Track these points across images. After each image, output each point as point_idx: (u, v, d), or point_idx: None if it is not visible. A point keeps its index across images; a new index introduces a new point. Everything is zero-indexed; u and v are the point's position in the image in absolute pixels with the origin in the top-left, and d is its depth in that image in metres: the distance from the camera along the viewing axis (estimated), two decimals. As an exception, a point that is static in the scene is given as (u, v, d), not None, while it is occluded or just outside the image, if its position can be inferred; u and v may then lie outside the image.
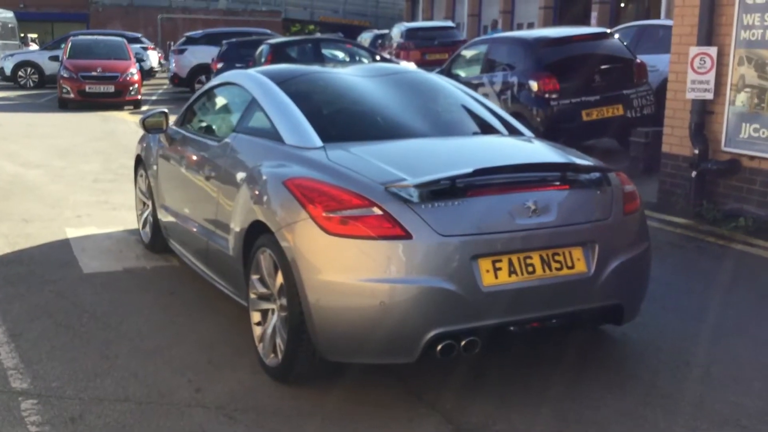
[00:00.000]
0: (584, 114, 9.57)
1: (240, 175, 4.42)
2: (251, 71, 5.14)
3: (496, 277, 3.57)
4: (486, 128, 4.75)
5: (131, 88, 17.89)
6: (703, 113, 7.22)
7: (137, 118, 16.53)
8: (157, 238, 6.12)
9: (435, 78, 5.35)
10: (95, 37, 21.30)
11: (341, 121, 4.61)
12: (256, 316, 4.17)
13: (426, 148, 4.29)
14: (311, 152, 4.09)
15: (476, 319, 3.55)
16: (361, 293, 3.48)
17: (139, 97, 18.28)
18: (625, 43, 10.45)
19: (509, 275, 3.59)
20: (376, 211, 3.53)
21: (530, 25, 27.07)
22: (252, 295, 4.17)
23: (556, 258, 3.70)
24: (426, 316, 3.48)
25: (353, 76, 5.02)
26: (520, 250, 3.63)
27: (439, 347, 3.51)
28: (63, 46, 20.82)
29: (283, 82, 4.76)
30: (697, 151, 7.21)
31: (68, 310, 4.96)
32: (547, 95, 9.54)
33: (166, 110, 5.68)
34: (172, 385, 3.92)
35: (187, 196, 5.24)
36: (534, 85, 9.62)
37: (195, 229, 5.07)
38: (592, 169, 4.02)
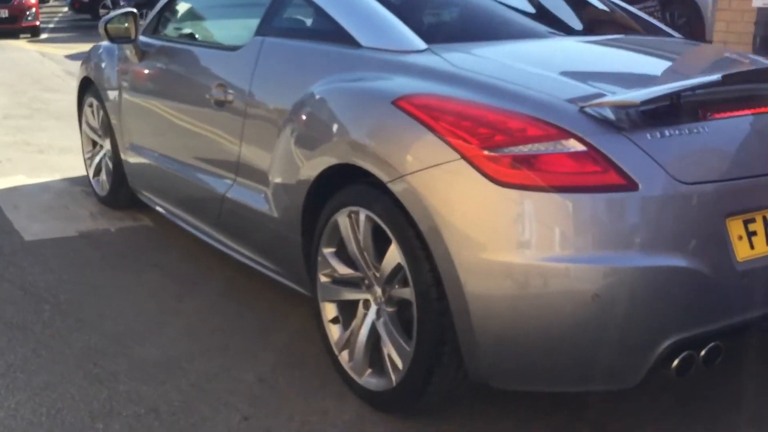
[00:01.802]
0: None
1: (282, 97, 2.95)
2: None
3: (752, 246, 2.26)
4: (623, 27, 3.40)
5: (28, 13, 15.60)
6: (772, 24, 6.06)
7: (38, 47, 14.45)
8: (118, 190, 4.56)
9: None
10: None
11: (434, 12, 3.15)
12: (330, 310, 2.76)
13: (581, 52, 2.91)
14: (414, 57, 2.65)
15: (728, 313, 2.25)
16: (560, 282, 2.11)
17: (38, 23, 16.00)
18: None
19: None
20: (574, 145, 2.15)
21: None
22: (323, 278, 2.75)
23: (820, 214, 2.42)
24: (663, 315, 2.15)
25: None
26: (779, 204, 2.33)
27: (675, 362, 2.20)
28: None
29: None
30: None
31: (18, 300, 3.41)
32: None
33: (134, 11, 4.06)
34: (220, 429, 2.48)
35: (178, 131, 3.71)
36: None
37: (194, 178, 3.57)
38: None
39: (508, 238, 2.13)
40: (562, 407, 2.61)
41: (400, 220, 2.34)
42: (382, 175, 2.36)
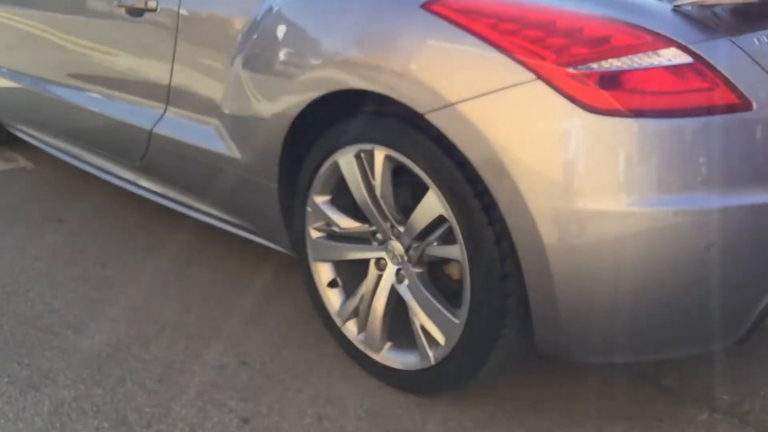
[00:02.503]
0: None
1: (235, 3, 2.32)
2: None
3: None
4: None
5: None
6: None
7: None
8: (-18, 125, 3.74)
9: None
10: None
11: None
12: (325, 273, 2.23)
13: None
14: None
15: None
16: (668, 231, 1.68)
17: None
18: None
19: None
20: (676, 56, 1.69)
21: None
22: (314, 234, 2.21)
23: None
24: (778, 259, 1.78)
25: None
26: None
27: (778, 309, 1.85)
28: None
29: None
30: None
31: None
32: None
33: None
34: (222, 442, 1.94)
35: (70, 50, 2.96)
36: None
37: (101, 109, 2.87)
38: None
39: (602, 180, 1.67)
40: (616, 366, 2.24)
41: (442, 161, 1.82)
42: (417, 105, 1.82)
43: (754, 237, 1.73)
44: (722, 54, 1.71)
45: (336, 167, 2.08)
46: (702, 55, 1.68)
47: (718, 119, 1.69)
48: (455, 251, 1.87)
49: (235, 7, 2.33)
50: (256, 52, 2.21)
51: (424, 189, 1.90)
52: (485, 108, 1.72)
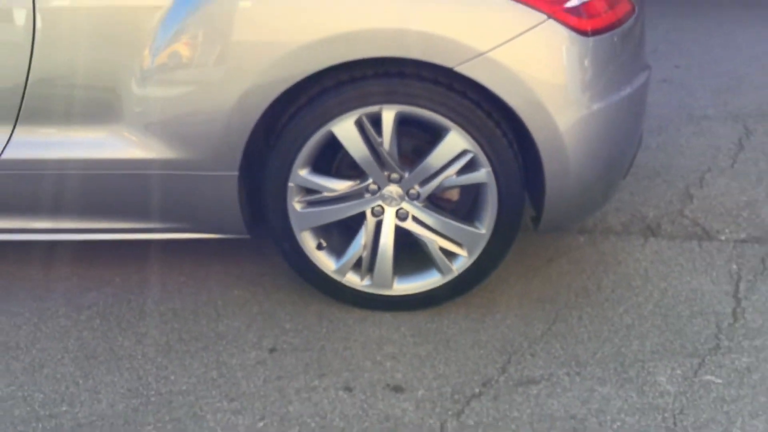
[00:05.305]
0: None
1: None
2: None
3: None
4: None
5: None
6: None
7: None
8: None
9: None
10: None
11: None
12: (309, 239, 2.33)
13: None
14: None
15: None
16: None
17: None
18: None
19: None
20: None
21: None
22: (298, 206, 2.28)
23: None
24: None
25: None
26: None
27: None
28: None
29: None
30: None
31: None
32: None
33: None
34: None
35: None
36: None
37: None
38: None
39: (597, 84, 2.18)
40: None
41: (463, 104, 2.12)
42: (445, 60, 2.04)
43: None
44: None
45: (326, 138, 2.17)
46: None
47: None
48: (479, 175, 2.19)
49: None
50: (197, 38, 2.09)
51: (430, 136, 2.19)
52: (514, 49, 2.06)
